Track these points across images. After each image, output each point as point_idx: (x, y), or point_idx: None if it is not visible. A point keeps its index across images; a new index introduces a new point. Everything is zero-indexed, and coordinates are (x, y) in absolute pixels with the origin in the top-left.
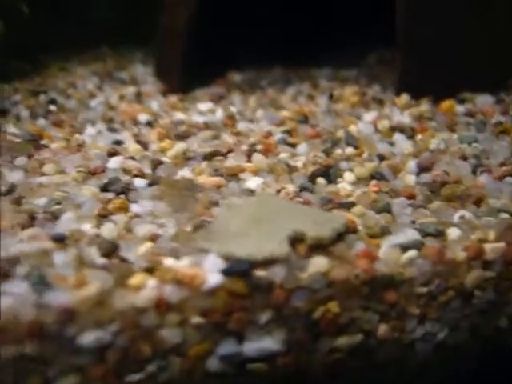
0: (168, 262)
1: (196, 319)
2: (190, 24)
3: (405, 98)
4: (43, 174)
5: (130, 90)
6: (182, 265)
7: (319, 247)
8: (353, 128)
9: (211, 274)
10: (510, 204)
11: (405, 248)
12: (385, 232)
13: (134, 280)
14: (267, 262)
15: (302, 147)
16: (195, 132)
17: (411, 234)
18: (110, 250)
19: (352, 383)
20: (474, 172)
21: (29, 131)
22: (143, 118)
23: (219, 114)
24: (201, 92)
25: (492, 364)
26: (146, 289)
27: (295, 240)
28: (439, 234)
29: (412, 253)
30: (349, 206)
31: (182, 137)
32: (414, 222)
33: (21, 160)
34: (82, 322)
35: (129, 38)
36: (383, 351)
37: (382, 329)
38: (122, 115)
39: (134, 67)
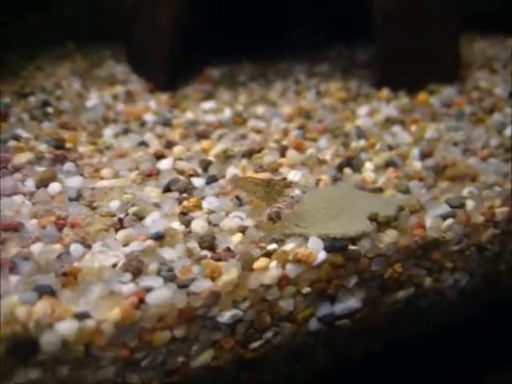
0: (271, 247)
1: (306, 289)
2: (175, 23)
3: (386, 92)
4: (102, 178)
5: (119, 90)
6: (289, 248)
7: (386, 223)
8: (359, 122)
9: (318, 252)
10: (498, 180)
11: (444, 217)
12: (421, 208)
13: (259, 264)
14: (358, 238)
15: (323, 142)
16: (212, 130)
17: (445, 207)
18: (210, 243)
19: (405, 327)
20: (463, 155)
21: (46, 135)
22: (149, 117)
23: (227, 112)
24: (190, 89)
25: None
26: (271, 269)
27: (371, 219)
28: (461, 206)
29: (450, 220)
30: (380, 190)
31: (202, 136)
32: (432, 199)
33: (68, 166)
34: (223, 303)
35: (92, 35)
36: (425, 299)
37: (427, 281)
38: (125, 115)
39: (109, 65)
